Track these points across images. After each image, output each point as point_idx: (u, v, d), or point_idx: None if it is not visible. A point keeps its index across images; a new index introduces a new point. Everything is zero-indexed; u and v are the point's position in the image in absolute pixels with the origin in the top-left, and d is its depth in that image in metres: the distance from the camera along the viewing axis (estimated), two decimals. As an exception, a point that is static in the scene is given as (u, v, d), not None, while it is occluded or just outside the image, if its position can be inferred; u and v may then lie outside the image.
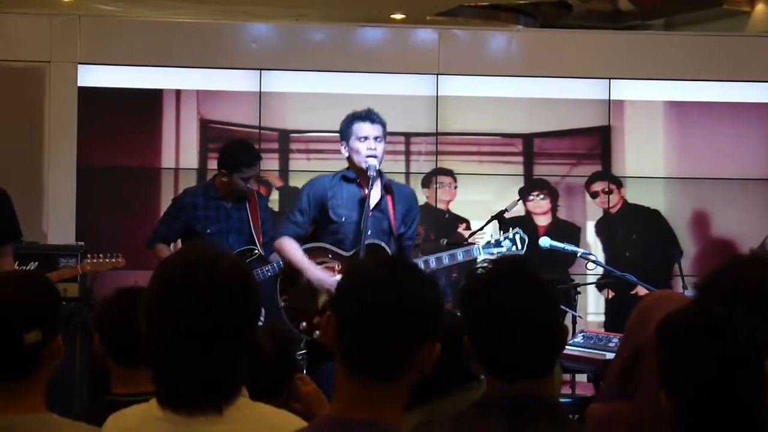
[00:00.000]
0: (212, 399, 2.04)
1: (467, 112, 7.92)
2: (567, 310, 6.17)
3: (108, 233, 7.36)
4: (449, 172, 7.93)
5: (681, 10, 10.79)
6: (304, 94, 7.85)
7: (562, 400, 4.52)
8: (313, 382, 3.13)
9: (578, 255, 5.85)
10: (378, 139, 5.17)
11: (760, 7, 10.35)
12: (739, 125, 8.07)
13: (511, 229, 5.38)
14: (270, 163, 7.76)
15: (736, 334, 2.03)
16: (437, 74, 7.88)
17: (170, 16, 9.11)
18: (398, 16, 10.78)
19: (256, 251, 5.96)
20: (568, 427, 2.17)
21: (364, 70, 7.89)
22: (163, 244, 6.12)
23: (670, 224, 7.99)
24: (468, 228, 7.70)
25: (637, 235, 8.02)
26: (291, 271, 5.24)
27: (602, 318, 7.98)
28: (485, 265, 2.25)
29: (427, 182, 7.91)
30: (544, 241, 5.58)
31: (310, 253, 5.22)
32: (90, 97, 7.66)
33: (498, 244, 5.36)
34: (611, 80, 7.98)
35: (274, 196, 7.81)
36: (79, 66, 7.66)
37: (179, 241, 6.22)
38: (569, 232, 7.79)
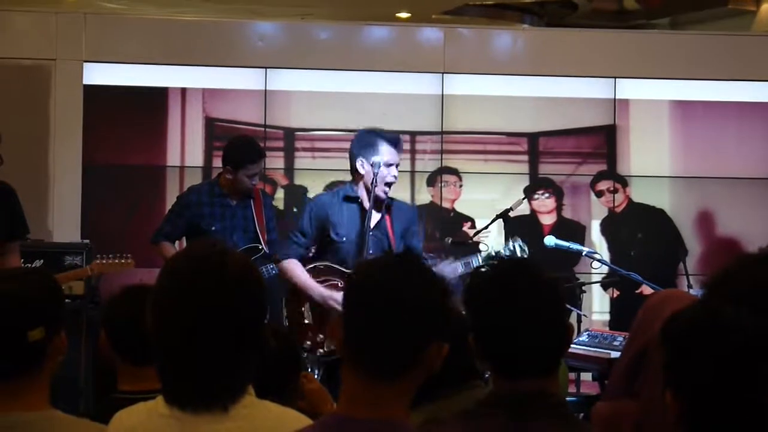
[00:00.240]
0: (218, 397, 2.04)
1: (472, 110, 7.91)
2: (572, 308, 6.18)
3: (113, 231, 7.38)
4: (454, 171, 7.92)
5: (686, 9, 10.77)
6: (310, 93, 7.84)
7: (567, 398, 4.52)
8: (316, 380, 3.13)
9: (583, 254, 5.83)
10: (398, 166, 5.21)
11: (765, 7, 10.32)
12: (744, 124, 8.06)
13: (511, 239, 5.39)
14: (275, 162, 7.75)
15: (742, 334, 2.02)
16: (443, 73, 7.88)
17: (176, 14, 9.08)
18: (404, 15, 10.77)
19: (261, 249, 5.97)
20: (574, 426, 2.18)
21: (370, 68, 7.88)
22: (168, 242, 6.14)
23: (675, 223, 7.98)
24: (473, 227, 7.69)
25: (642, 234, 8.00)
26: (296, 290, 5.29)
27: (607, 317, 7.96)
28: (490, 263, 2.26)
29: (432, 181, 7.90)
30: (549, 240, 5.57)
31: (314, 273, 5.28)
32: (95, 94, 7.65)
33: (498, 256, 5.35)
34: (617, 79, 7.97)
35: (280, 194, 7.81)
36: (85, 64, 7.65)
37: (183, 238, 6.23)
38: (574, 230, 7.78)
